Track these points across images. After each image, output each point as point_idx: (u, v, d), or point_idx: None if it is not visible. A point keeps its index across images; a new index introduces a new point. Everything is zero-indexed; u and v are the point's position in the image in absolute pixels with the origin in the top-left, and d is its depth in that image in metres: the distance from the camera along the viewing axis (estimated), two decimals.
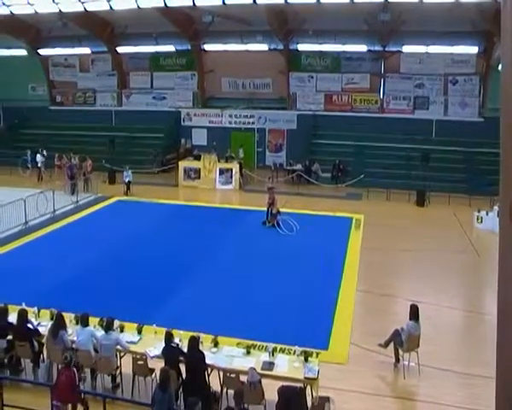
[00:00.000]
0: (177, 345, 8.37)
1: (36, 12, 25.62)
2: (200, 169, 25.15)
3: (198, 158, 25.64)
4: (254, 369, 7.81)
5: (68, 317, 9.19)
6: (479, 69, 26.51)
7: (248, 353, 8.54)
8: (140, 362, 8.38)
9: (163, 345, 8.29)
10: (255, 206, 20.45)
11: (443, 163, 24.47)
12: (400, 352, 9.41)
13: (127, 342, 8.64)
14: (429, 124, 27.00)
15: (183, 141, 29.97)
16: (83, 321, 8.68)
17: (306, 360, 8.21)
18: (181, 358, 8.16)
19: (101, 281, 13.26)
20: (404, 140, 26.19)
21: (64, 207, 20.08)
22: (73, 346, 8.66)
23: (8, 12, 25.71)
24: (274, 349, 8.63)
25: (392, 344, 9.49)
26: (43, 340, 8.93)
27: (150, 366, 8.42)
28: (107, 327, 8.53)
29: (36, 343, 8.93)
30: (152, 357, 8.38)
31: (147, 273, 13.83)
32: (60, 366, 8.39)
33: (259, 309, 11.67)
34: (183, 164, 25.70)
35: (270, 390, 7.71)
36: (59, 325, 8.67)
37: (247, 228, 18.49)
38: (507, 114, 3.76)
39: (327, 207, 21.01)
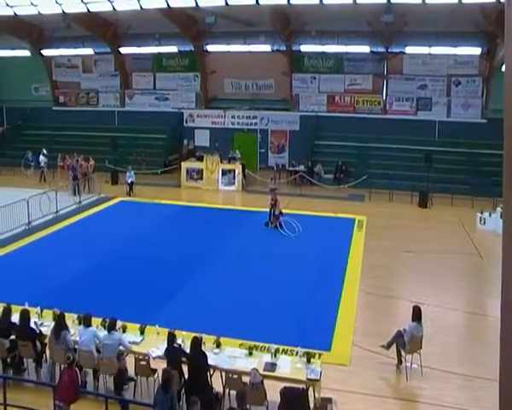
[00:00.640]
0: (180, 346, 8.38)
1: (39, 13, 25.63)
2: (202, 170, 25.18)
3: (201, 159, 25.66)
4: (257, 370, 7.81)
5: (71, 317, 9.22)
6: (482, 70, 26.46)
7: (251, 354, 8.54)
8: (142, 362, 8.39)
9: (165, 346, 8.29)
10: (258, 207, 20.44)
11: (446, 164, 24.43)
12: (403, 353, 9.39)
13: (129, 342, 8.65)
14: (432, 125, 26.95)
15: (185, 142, 29.97)
16: (85, 321, 8.69)
17: (309, 361, 8.20)
18: (183, 358, 8.16)
19: (104, 281, 13.28)
20: (407, 141, 26.16)
21: (67, 207, 20.12)
22: (76, 346, 8.67)
23: (12, 13, 25.73)
24: (276, 350, 8.64)
25: (394, 346, 9.47)
26: (46, 340, 8.95)
27: (152, 366, 8.42)
28: (110, 327, 8.54)
29: (38, 343, 8.94)
30: (154, 357, 8.39)
31: (149, 274, 13.85)
32: (62, 366, 8.41)
33: (262, 310, 11.66)
34: (185, 165, 25.72)
35: (273, 391, 7.71)
36: (61, 325, 8.69)
37: (249, 229, 18.48)
38: (510, 116, 3.76)
39: (329, 208, 21.00)
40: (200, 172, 25.25)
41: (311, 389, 7.85)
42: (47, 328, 9.04)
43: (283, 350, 9.29)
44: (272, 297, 12.38)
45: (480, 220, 18.78)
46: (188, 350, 8.16)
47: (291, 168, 26.81)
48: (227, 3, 22.78)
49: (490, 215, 18.61)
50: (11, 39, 29.81)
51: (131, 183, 23.35)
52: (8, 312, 9.07)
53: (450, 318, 11.63)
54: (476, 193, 22.05)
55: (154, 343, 8.67)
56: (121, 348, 8.58)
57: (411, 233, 18.17)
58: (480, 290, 13.73)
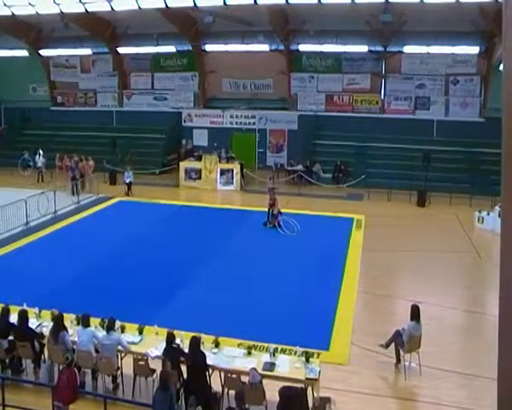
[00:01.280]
0: (178, 345, 8.37)
1: (37, 13, 25.62)
2: (201, 170, 25.17)
3: (199, 159, 25.66)
4: (255, 369, 7.80)
5: (69, 317, 9.21)
6: (480, 69, 26.49)
7: (249, 353, 8.54)
8: (141, 363, 8.38)
9: (164, 345, 8.29)
10: (256, 206, 20.45)
11: (444, 163, 24.46)
12: (401, 352, 9.40)
13: (128, 342, 8.65)
14: (430, 124, 26.98)
15: (184, 141, 29.98)
16: (84, 322, 8.68)
17: (307, 360, 8.21)
18: (182, 358, 8.15)
19: (103, 281, 13.27)
20: (405, 140, 26.18)
21: (65, 207, 20.10)
22: (74, 347, 8.67)
23: (10, 13, 25.72)
24: (275, 350, 8.64)
25: (393, 345, 9.47)
26: (45, 341, 8.94)
27: (151, 366, 8.42)
28: (109, 327, 8.54)
29: (37, 344, 8.93)
30: (153, 357, 8.38)
31: (148, 274, 13.83)
32: (61, 367, 8.40)
33: (260, 310, 11.66)
34: (184, 165, 25.71)
35: (272, 391, 7.71)
36: (59, 326, 8.68)
37: (248, 229, 18.48)
38: (508, 114, 3.76)
39: (328, 207, 21.01)
40: (198, 171, 25.24)
41: (309, 388, 7.85)
42: (46, 328, 9.03)
43: (282, 350, 9.29)
44: (271, 297, 12.38)
45: (479, 219, 18.80)
46: (186, 350, 8.15)
47: (289, 168, 26.82)
48: (225, 3, 22.78)
49: (488, 214, 18.62)
50: (9, 39, 29.83)
51: (130, 183, 23.32)
52: (6, 312, 9.05)
53: (448, 317, 11.65)
54: (474, 192, 22.10)
55: (152, 343, 8.67)
56: (120, 347, 8.58)
57: (410, 232, 18.18)
58: (478, 289, 13.75)
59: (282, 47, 27.74)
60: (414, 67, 27.34)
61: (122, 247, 16.13)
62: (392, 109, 27.79)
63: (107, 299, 11.85)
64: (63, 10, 25.20)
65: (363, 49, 27.09)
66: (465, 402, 8.41)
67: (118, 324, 8.88)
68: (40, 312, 9.64)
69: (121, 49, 30.31)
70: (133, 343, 8.69)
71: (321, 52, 27.99)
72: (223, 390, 8.19)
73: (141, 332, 9.00)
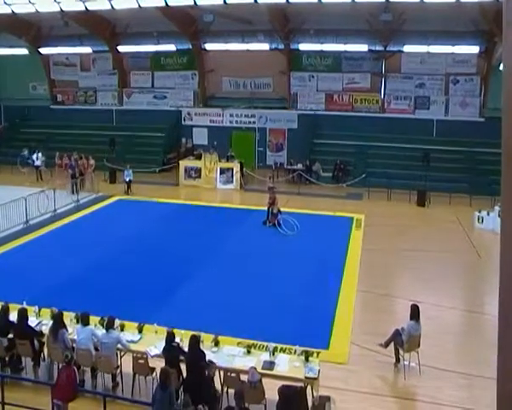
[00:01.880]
0: (178, 344, 8.37)
1: (37, 11, 25.57)
2: (200, 168, 25.16)
3: (199, 157, 25.65)
4: (255, 368, 7.81)
5: (69, 316, 9.21)
6: (480, 69, 26.49)
7: (249, 352, 8.55)
8: (140, 361, 8.38)
9: (164, 344, 8.29)
10: (256, 205, 20.45)
11: (444, 163, 24.46)
12: (401, 352, 9.41)
13: (128, 341, 8.65)
14: (430, 124, 26.99)
15: (183, 140, 29.96)
16: (83, 320, 8.69)
17: (307, 359, 8.22)
18: (181, 357, 8.16)
19: (102, 280, 13.27)
20: (405, 140, 26.17)
21: (65, 206, 20.09)
22: (74, 345, 8.67)
23: (10, 11, 25.67)
24: (274, 349, 8.64)
25: (392, 344, 9.48)
26: (44, 339, 8.94)
27: (151, 365, 8.42)
28: (108, 326, 8.54)
29: (36, 342, 8.94)
30: (152, 356, 8.38)
31: (147, 272, 13.85)
32: (60, 365, 8.41)
33: (260, 309, 11.67)
34: (183, 163, 25.71)
35: (271, 390, 7.71)
36: (59, 324, 8.68)
37: (247, 228, 18.48)
38: (508, 114, 3.76)
39: (327, 206, 21.00)
40: (198, 170, 25.24)
41: (309, 387, 7.86)
42: (45, 327, 9.03)
43: (281, 349, 9.28)
44: (270, 296, 12.38)
45: (478, 219, 18.80)
46: (186, 349, 8.16)
47: (289, 167, 26.81)
48: (225, 2, 22.75)
49: (488, 214, 18.62)
50: (9, 37, 29.76)
51: (129, 181, 23.32)
52: (5, 310, 9.06)
53: (448, 316, 11.66)
54: (474, 192, 22.10)
55: (152, 342, 8.67)
56: (119, 346, 8.58)
57: (409, 232, 18.19)
58: (477, 289, 13.77)
59: (281, 46, 27.72)
60: (414, 67, 27.33)
61: (122, 245, 16.12)
62: (391, 109, 27.78)
63: (106, 297, 11.86)
64: (63, 8, 25.15)
65: (363, 48, 27.07)
66: (465, 402, 8.42)
67: (117, 322, 8.88)
68: (40, 310, 9.64)
69: (121, 48, 30.28)
70: (132, 342, 8.70)
71: (321, 51, 27.96)
72: (222, 389, 8.20)
73: (140, 331, 9.00)
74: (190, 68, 30.35)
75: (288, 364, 8.23)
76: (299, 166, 26.10)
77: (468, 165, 24.96)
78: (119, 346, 8.57)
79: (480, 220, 18.74)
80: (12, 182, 23.12)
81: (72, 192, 21.86)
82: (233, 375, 7.99)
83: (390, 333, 9.52)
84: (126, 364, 8.67)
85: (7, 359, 9.02)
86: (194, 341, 8.06)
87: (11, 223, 17.09)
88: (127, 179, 23.32)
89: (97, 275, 13.61)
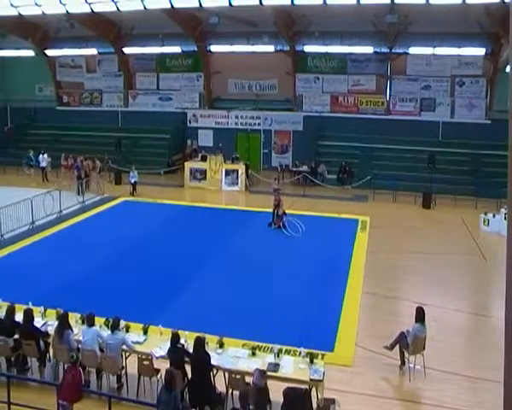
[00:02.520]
0: (183, 346, 8.38)
1: (43, 13, 25.71)
2: (206, 170, 25.19)
3: (204, 159, 25.68)
4: (260, 371, 7.80)
5: (74, 316, 9.24)
6: (486, 71, 26.39)
7: (254, 354, 8.55)
8: (145, 362, 8.40)
9: (168, 345, 8.30)
10: (261, 207, 20.45)
11: (449, 165, 24.39)
12: (406, 354, 9.38)
13: (133, 342, 8.67)
14: (436, 126, 26.90)
15: (189, 142, 30.01)
16: (89, 321, 8.71)
17: (312, 361, 8.21)
18: (186, 358, 8.17)
19: (108, 281, 13.31)
20: (411, 142, 26.11)
21: (70, 207, 20.16)
22: (79, 346, 8.70)
23: (16, 13, 25.83)
24: (279, 351, 8.64)
25: (397, 347, 9.46)
26: (50, 340, 8.97)
27: (156, 366, 8.43)
28: (113, 327, 8.56)
29: (42, 343, 8.97)
30: (157, 357, 8.40)
31: (153, 274, 13.87)
32: (66, 366, 8.44)
33: (265, 310, 11.66)
34: (189, 165, 25.74)
35: (276, 392, 7.71)
36: (64, 325, 8.71)
37: (252, 229, 18.48)
38: None
39: (333, 208, 20.99)
40: (203, 172, 25.27)
41: (313, 389, 7.85)
42: (51, 327, 9.07)
43: (286, 351, 9.28)
44: (275, 297, 12.38)
45: (484, 222, 18.73)
46: (191, 350, 8.17)
47: (294, 169, 26.82)
48: (231, 4, 22.79)
49: (494, 217, 18.55)
50: (15, 39, 29.97)
51: (135, 183, 23.39)
52: (11, 311, 9.10)
53: (453, 319, 11.62)
54: (480, 194, 22.01)
55: (157, 343, 8.68)
56: (124, 347, 8.60)
57: (415, 234, 18.14)
58: (483, 292, 13.70)
59: (287, 48, 27.72)
60: (419, 69, 27.27)
61: (127, 247, 16.16)
62: (397, 111, 27.73)
63: (111, 298, 11.89)
64: (69, 10, 25.28)
65: (369, 50, 27.04)
66: (470, 405, 8.39)
67: (122, 323, 8.90)
68: (45, 311, 9.69)
69: (127, 50, 30.37)
70: (138, 343, 8.71)
71: (326, 53, 27.95)
72: (227, 391, 8.20)
73: (145, 332, 9.02)
74: (196, 70, 30.40)
75: (293, 366, 8.22)
76: (305, 167, 26.10)
77: (473, 167, 24.87)
78: (124, 347, 8.59)
79: (486, 223, 18.67)
80: (18, 183, 23.22)
81: (78, 193, 21.94)
82: (238, 377, 7.98)
83: (395, 335, 9.50)
84: (131, 365, 8.69)
85: (13, 359, 9.07)
86: (200, 342, 8.07)
87: (17, 224, 17.17)
88: (132, 181, 23.40)
89: (103, 276, 13.65)
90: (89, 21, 27.20)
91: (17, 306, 9.29)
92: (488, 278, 14.50)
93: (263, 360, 8.32)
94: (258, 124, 29.35)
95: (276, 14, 24.75)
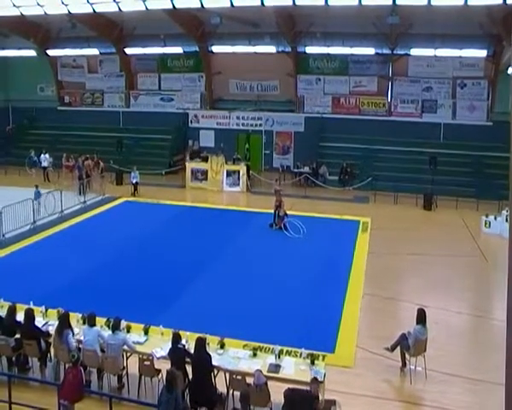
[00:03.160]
0: (184, 346, 8.39)
1: (45, 13, 25.74)
2: (207, 171, 25.20)
3: (205, 160, 25.69)
4: (260, 371, 7.80)
5: (75, 317, 9.25)
6: (487, 73, 26.37)
7: (255, 355, 8.55)
8: (146, 363, 8.40)
9: (169, 346, 8.31)
10: (262, 208, 20.44)
11: (451, 167, 24.37)
12: (407, 356, 9.38)
13: (134, 342, 8.68)
14: (437, 127, 26.89)
15: (190, 142, 30.01)
16: (90, 321, 8.72)
17: (313, 362, 8.21)
18: (187, 359, 8.17)
19: (109, 281, 13.33)
20: (412, 144, 26.09)
21: (72, 207, 20.17)
22: (80, 346, 8.71)
23: (18, 13, 25.86)
24: (280, 352, 8.65)
25: (398, 348, 9.46)
26: (51, 339, 8.98)
27: (157, 366, 8.44)
28: (114, 327, 8.57)
29: (43, 342, 8.98)
30: (158, 358, 8.40)
31: (154, 274, 13.88)
32: (67, 366, 8.44)
33: (266, 311, 11.66)
34: (190, 165, 25.75)
35: (277, 393, 7.71)
36: (64, 325, 8.72)
37: (254, 230, 18.49)
38: None
39: (334, 209, 20.99)
40: (204, 172, 25.28)
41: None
42: (52, 327, 9.07)
43: (287, 352, 9.28)
44: (276, 298, 12.39)
45: (485, 224, 18.71)
46: (192, 351, 8.17)
47: (296, 170, 26.82)
48: (232, 4, 22.80)
49: (495, 218, 18.53)
50: (17, 39, 30.01)
51: (136, 183, 23.40)
52: (13, 311, 9.12)
53: (454, 321, 11.61)
54: (481, 196, 21.99)
55: (158, 344, 8.70)
56: (125, 347, 8.61)
57: (416, 236, 18.12)
58: (484, 293, 13.69)
59: (288, 49, 27.73)
60: (421, 70, 27.26)
61: (128, 247, 16.17)
62: (398, 112, 27.72)
63: (112, 299, 11.91)
64: (71, 10, 25.31)
65: (370, 51, 27.04)
66: (471, 407, 8.38)
67: (123, 323, 8.92)
68: (46, 310, 9.71)
69: (128, 50, 30.40)
70: (139, 343, 8.73)
71: (328, 54, 27.95)
72: (228, 391, 8.21)
73: (146, 332, 9.03)
74: (197, 71, 30.41)
75: (294, 367, 8.23)
76: (306, 169, 26.10)
77: (475, 169, 24.85)
78: (125, 347, 8.60)
79: (488, 225, 18.65)
80: (19, 183, 23.23)
81: (80, 193, 21.96)
82: (239, 377, 7.98)
83: (396, 337, 9.50)
84: (132, 365, 8.70)
85: (14, 359, 9.07)
86: (201, 343, 8.08)
87: (18, 224, 17.18)
88: (134, 181, 23.41)
89: (104, 276, 13.67)
90: (90, 21, 27.24)
91: (18, 305, 9.31)
92: (489, 279, 14.50)
93: (264, 361, 8.33)
94: (260, 125, 29.35)
95: (278, 14, 24.76)
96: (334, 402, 7.82)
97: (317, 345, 9.55)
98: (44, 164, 25.93)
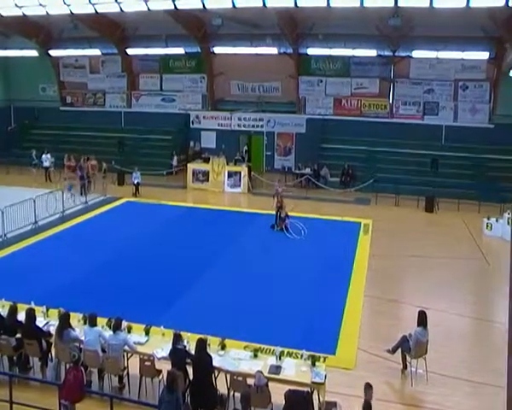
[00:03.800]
0: (185, 347, 8.38)
1: (47, 13, 25.79)
2: (208, 172, 25.21)
3: (207, 160, 25.70)
4: (261, 372, 7.80)
5: (76, 316, 9.26)
6: (489, 75, 26.35)
7: (255, 356, 8.54)
8: (147, 363, 8.40)
9: (170, 347, 8.30)
10: (263, 209, 20.44)
11: (452, 169, 24.37)
12: (408, 358, 9.37)
13: (135, 342, 8.68)
14: (439, 129, 26.86)
15: (191, 143, 30.03)
16: (91, 321, 8.72)
17: (314, 364, 8.20)
18: (188, 360, 8.16)
19: (110, 281, 13.33)
20: (414, 146, 26.07)
21: (73, 207, 20.18)
22: (81, 346, 8.71)
23: (21, 13, 25.91)
24: (281, 353, 8.65)
25: (399, 350, 9.45)
26: (52, 339, 8.98)
27: (157, 367, 8.44)
28: (115, 327, 8.57)
29: (44, 342, 8.98)
30: (159, 358, 8.40)
31: (155, 275, 13.89)
32: (68, 366, 8.44)
33: (267, 313, 11.66)
34: (191, 166, 25.76)
35: (277, 394, 7.70)
36: (64, 325, 8.73)
37: (255, 231, 18.49)
38: None
39: (335, 211, 20.97)
40: (206, 173, 25.29)
41: (315, 392, 7.84)
42: (53, 327, 9.08)
43: (288, 353, 9.29)
44: (277, 300, 12.38)
45: (487, 226, 18.69)
46: (193, 352, 8.16)
47: (297, 171, 26.81)
48: (234, 6, 22.83)
49: (497, 221, 18.50)
50: (19, 39, 30.10)
51: (138, 184, 23.41)
52: (14, 310, 9.12)
53: (455, 323, 11.60)
54: (483, 198, 21.93)
55: (159, 344, 8.70)
56: (126, 348, 8.61)
57: (417, 238, 18.09)
58: (486, 296, 13.67)
59: (290, 50, 27.74)
60: (423, 72, 27.26)
61: (129, 247, 16.18)
62: (400, 114, 27.71)
63: (114, 299, 11.91)
64: (73, 11, 25.36)
65: (372, 53, 27.04)
66: None
67: (124, 324, 8.92)
68: (48, 310, 9.71)
69: (130, 51, 30.44)
70: (139, 344, 8.73)
71: (329, 56, 27.96)
72: (228, 393, 8.20)
73: (147, 333, 9.03)
74: (199, 71, 30.43)
75: (295, 368, 8.22)
76: (307, 170, 26.10)
77: (476, 171, 24.80)
78: (126, 348, 8.60)
79: (489, 227, 18.62)
80: (21, 183, 23.26)
81: (81, 194, 21.97)
82: (239, 379, 7.98)
83: (397, 339, 9.49)
84: (133, 366, 8.70)
85: (15, 358, 9.08)
86: (202, 344, 8.07)
87: (20, 224, 17.19)
88: (135, 182, 23.42)
89: (105, 276, 13.67)
90: (92, 22, 27.28)
91: (19, 305, 9.32)
92: (491, 282, 14.46)
93: (265, 363, 8.32)
94: (261, 126, 29.35)
95: (280, 16, 24.77)
96: (334, 404, 7.81)
97: (318, 347, 9.54)
98: (46, 164, 25.95)
